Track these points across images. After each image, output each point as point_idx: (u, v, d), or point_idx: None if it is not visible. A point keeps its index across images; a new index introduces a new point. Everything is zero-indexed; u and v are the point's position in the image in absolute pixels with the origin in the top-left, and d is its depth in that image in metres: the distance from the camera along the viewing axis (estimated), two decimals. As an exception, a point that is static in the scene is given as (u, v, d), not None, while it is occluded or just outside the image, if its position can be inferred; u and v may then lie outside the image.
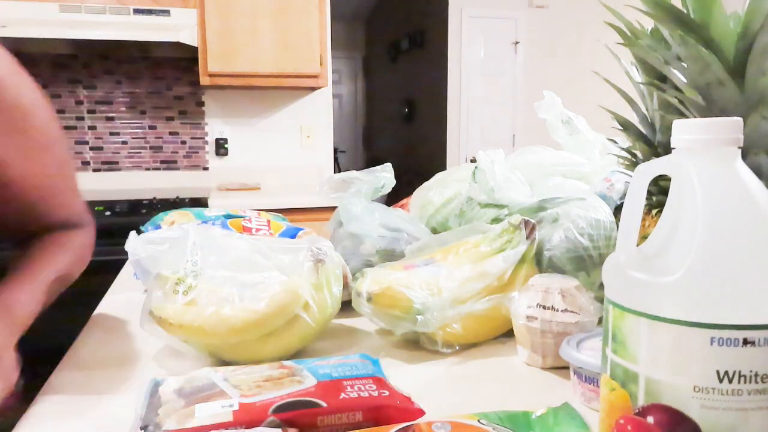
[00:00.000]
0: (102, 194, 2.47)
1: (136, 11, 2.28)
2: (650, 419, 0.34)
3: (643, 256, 0.36)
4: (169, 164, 2.83)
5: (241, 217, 0.97)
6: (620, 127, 0.63)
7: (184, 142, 2.83)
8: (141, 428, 0.42)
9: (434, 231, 0.94)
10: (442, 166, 5.33)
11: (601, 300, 0.66)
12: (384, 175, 0.86)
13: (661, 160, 0.37)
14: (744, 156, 0.52)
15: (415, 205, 0.99)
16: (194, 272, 0.66)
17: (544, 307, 0.60)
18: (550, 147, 0.96)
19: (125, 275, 1.04)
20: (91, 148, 2.74)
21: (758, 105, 0.50)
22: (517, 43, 5.17)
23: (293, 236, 0.91)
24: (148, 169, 2.81)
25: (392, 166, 0.87)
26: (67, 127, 2.70)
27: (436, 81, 5.40)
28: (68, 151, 0.78)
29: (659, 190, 0.59)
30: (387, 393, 0.47)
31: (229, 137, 2.87)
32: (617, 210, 0.81)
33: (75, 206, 0.80)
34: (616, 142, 0.75)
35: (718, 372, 0.32)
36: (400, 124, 6.60)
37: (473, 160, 4.93)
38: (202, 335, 0.59)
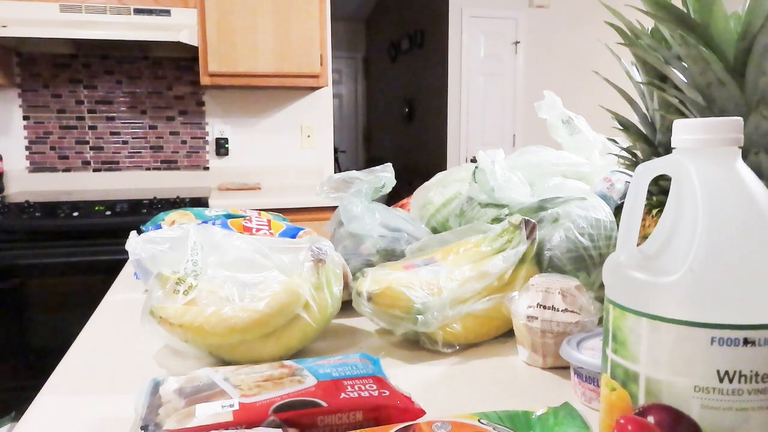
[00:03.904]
0: (102, 194, 2.47)
1: (137, 11, 2.28)
2: (651, 419, 0.34)
3: (643, 256, 0.36)
4: (170, 164, 2.83)
5: (242, 216, 0.97)
6: (620, 127, 0.63)
7: (184, 142, 2.83)
8: (141, 428, 0.41)
9: (434, 231, 0.94)
10: (442, 166, 5.33)
11: (601, 300, 0.66)
12: (384, 175, 0.86)
13: (661, 160, 0.37)
14: (744, 156, 0.52)
15: (415, 205, 0.99)
16: (195, 272, 0.66)
17: (544, 307, 0.60)
18: (550, 147, 0.96)
19: (125, 275, 1.04)
20: (92, 148, 2.74)
21: (758, 105, 0.50)
22: (517, 43, 5.18)
23: (293, 236, 0.91)
24: (148, 169, 2.81)
25: (392, 166, 0.87)
26: (67, 127, 2.70)
27: (436, 81, 5.40)
28: None
29: (659, 190, 0.59)
30: (387, 393, 0.47)
31: (229, 137, 2.87)
32: (617, 210, 0.81)
33: None
34: (616, 142, 0.75)
35: (718, 372, 0.32)
36: (400, 124, 6.60)
37: (473, 160, 4.92)
38: (203, 335, 0.59)
